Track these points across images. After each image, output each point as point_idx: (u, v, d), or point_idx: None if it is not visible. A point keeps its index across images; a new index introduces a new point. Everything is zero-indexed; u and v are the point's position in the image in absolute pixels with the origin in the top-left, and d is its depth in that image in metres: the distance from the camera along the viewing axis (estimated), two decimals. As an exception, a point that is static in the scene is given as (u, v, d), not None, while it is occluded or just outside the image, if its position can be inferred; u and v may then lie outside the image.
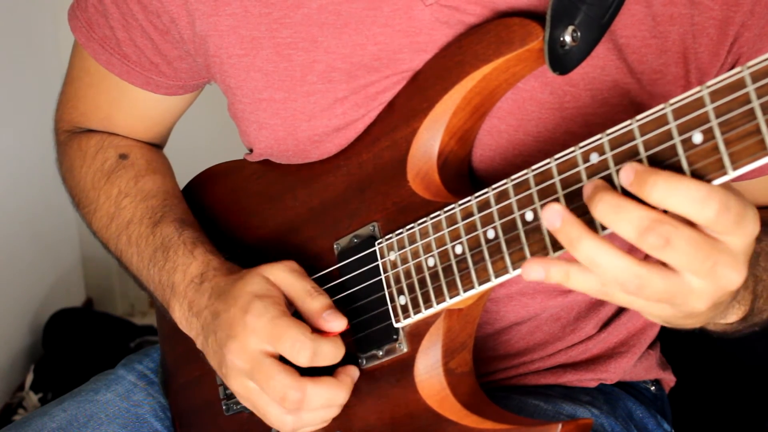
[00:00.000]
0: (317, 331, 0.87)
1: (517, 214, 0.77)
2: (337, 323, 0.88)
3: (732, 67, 0.87)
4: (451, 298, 0.84)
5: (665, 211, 0.66)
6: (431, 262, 0.85)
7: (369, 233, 0.91)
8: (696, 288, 0.67)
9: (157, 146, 1.16)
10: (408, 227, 0.87)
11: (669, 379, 1.15)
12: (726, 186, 0.65)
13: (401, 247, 0.87)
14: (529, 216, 0.76)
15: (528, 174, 0.77)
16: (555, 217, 0.69)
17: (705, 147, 0.65)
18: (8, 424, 1.09)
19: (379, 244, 0.90)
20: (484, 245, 0.80)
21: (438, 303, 0.85)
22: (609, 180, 0.71)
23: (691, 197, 0.64)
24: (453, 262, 0.83)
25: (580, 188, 0.72)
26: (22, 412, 2.08)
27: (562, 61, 0.83)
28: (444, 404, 0.87)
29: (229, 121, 1.03)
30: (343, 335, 0.89)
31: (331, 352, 0.86)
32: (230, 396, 1.03)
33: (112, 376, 1.15)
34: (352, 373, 0.90)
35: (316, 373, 0.88)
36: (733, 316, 0.85)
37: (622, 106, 0.87)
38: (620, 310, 1.05)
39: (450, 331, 0.87)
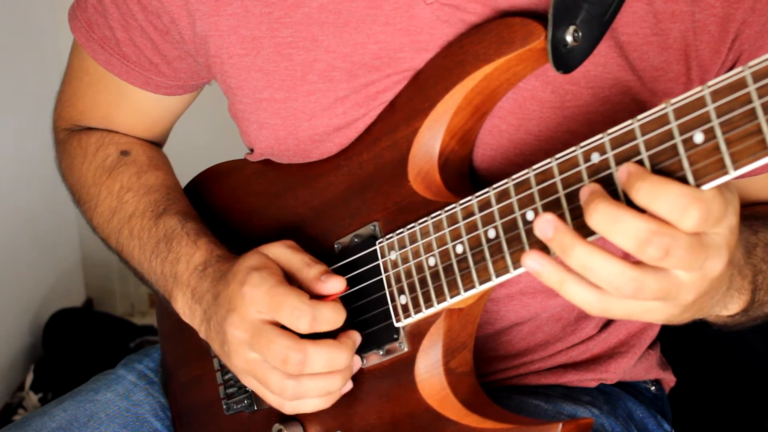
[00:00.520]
0: (317, 298, 0.87)
1: (518, 214, 0.77)
2: (334, 283, 0.87)
3: (733, 65, 0.87)
4: (451, 297, 0.84)
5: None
6: (432, 261, 0.85)
7: (370, 233, 0.91)
8: (685, 281, 0.69)
9: (157, 145, 1.16)
10: (409, 227, 0.87)
11: (669, 379, 1.16)
12: (712, 188, 0.66)
13: (402, 246, 0.87)
14: (530, 215, 0.76)
15: (529, 173, 0.77)
16: (547, 226, 0.69)
17: (706, 147, 0.65)
18: (8, 424, 1.09)
19: (379, 243, 0.90)
20: (485, 245, 0.80)
21: (439, 302, 0.85)
22: (609, 180, 0.71)
23: (674, 204, 0.65)
24: (454, 261, 0.83)
25: (581, 188, 0.72)
26: (22, 412, 2.08)
27: (565, 60, 0.83)
28: (444, 404, 0.87)
29: (229, 120, 1.03)
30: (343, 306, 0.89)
31: (331, 316, 0.86)
32: (230, 396, 1.03)
33: (112, 376, 1.15)
34: (354, 336, 0.89)
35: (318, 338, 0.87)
36: (735, 306, 0.85)
37: (623, 104, 0.87)
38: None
39: (450, 330, 0.87)
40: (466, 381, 0.89)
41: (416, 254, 0.86)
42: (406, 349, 0.88)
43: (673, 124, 0.67)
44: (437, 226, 0.84)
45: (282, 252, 0.90)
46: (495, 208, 0.79)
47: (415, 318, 0.87)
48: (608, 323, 1.05)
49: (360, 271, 0.91)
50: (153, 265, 1.00)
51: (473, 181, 0.92)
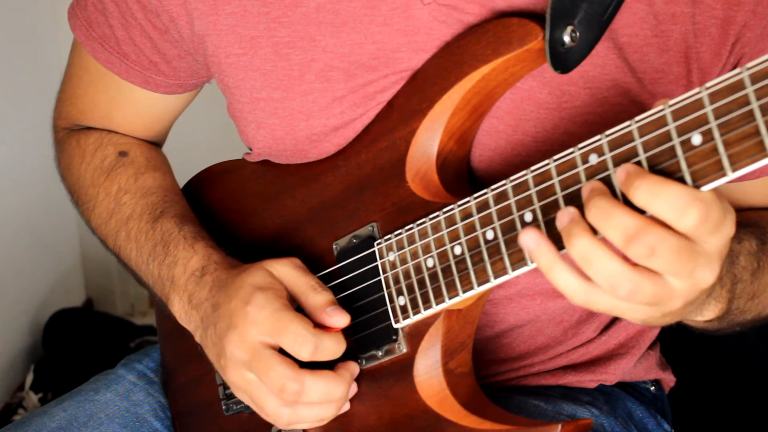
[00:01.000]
0: (319, 326, 0.87)
1: (516, 215, 0.77)
2: (340, 319, 0.88)
3: (734, 68, 0.87)
4: (450, 298, 0.84)
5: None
6: (430, 262, 0.85)
7: (368, 233, 0.91)
8: (677, 289, 0.69)
9: (155, 144, 1.16)
10: (407, 228, 0.87)
11: (669, 380, 1.15)
12: (711, 191, 0.66)
13: (400, 247, 0.87)
14: (528, 217, 0.76)
15: (527, 175, 0.76)
16: (564, 214, 0.70)
17: (704, 148, 0.65)
18: (8, 424, 1.09)
19: (378, 244, 0.89)
20: (483, 246, 0.80)
21: (437, 304, 0.85)
22: (608, 181, 0.71)
23: (673, 204, 0.65)
24: (452, 262, 0.83)
25: (579, 189, 0.72)
26: (22, 412, 2.08)
27: (562, 60, 0.83)
28: (443, 405, 0.87)
29: (228, 120, 1.03)
30: (343, 335, 0.89)
31: (333, 348, 0.86)
32: (230, 396, 1.03)
33: (112, 376, 1.15)
34: (352, 368, 0.90)
35: (316, 367, 0.87)
36: (710, 313, 0.85)
37: (622, 106, 0.87)
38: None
39: (449, 331, 0.87)
40: (466, 382, 0.89)
41: (415, 255, 0.86)
42: (405, 350, 0.88)
43: (671, 126, 0.67)
44: (435, 228, 0.84)
45: (288, 272, 0.90)
46: (493, 209, 0.79)
47: (413, 319, 0.87)
48: (609, 326, 1.05)
49: (359, 272, 0.91)
50: (150, 268, 1.00)
51: (471, 182, 0.92)
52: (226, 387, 1.03)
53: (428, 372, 0.87)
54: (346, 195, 0.94)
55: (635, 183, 0.66)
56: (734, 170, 0.64)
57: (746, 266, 0.87)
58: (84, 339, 2.23)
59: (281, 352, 0.87)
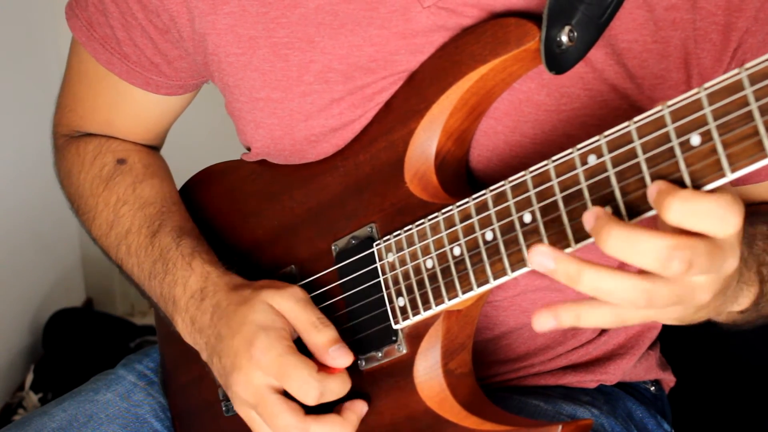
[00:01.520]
0: (323, 365, 0.88)
1: (515, 216, 0.77)
2: (343, 360, 0.88)
3: None
4: (449, 299, 0.83)
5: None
6: (429, 263, 0.85)
7: (367, 234, 0.91)
8: (700, 283, 0.67)
9: (154, 148, 1.16)
10: (406, 229, 0.87)
11: (669, 380, 1.15)
12: (722, 188, 0.65)
13: (399, 248, 0.87)
14: (527, 218, 0.76)
15: (526, 176, 0.76)
16: (545, 259, 0.67)
17: (703, 149, 0.65)
18: (8, 424, 1.09)
19: (377, 245, 0.89)
20: (482, 247, 0.80)
21: (437, 305, 0.85)
22: (605, 183, 0.70)
23: (714, 215, 0.63)
24: (451, 263, 0.83)
25: (578, 190, 0.72)
26: (22, 412, 2.08)
27: (558, 61, 0.83)
28: (444, 405, 0.87)
29: (227, 120, 1.03)
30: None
31: (338, 389, 0.87)
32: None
33: (112, 376, 1.15)
34: (359, 409, 0.90)
35: (322, 405, 0.88)
36: (745, 300, 0.84)
37: (621, 109, 0.87)
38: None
39: (449, 332, 0.87)
40: (466, 382, 0.89)
41: (414, 256, 0.86)
42: (404, 351, 0.88)
43: (670, 127, 0.67)
44: (434, 228, 0.84)
45: (290, 307, 0.90)
46: (492, 210, 0.79)
47: (413, 320, 0.87)
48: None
49: (358, 273, 0.91)
50: (152, 284, 1.01)
51: (470, 182, 0.92)
52: (225, 388, 1.03)
53: (428, 373, 0.87)
54: (344, 196, 0.94)
55: (666, 200, 0.64)
56: (733, 171, 0.64)
57: (766, 248, 0.86)
58: (84, 339, 2.23)
59: (288, 402, 0.87)
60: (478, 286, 0.81)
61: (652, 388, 1.13)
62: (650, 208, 0.68)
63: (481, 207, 0.80)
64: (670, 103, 0.67)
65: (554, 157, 0.74)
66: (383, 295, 0.89)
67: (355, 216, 0.93)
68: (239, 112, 0.98)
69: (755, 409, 1.35)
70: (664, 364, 1.16)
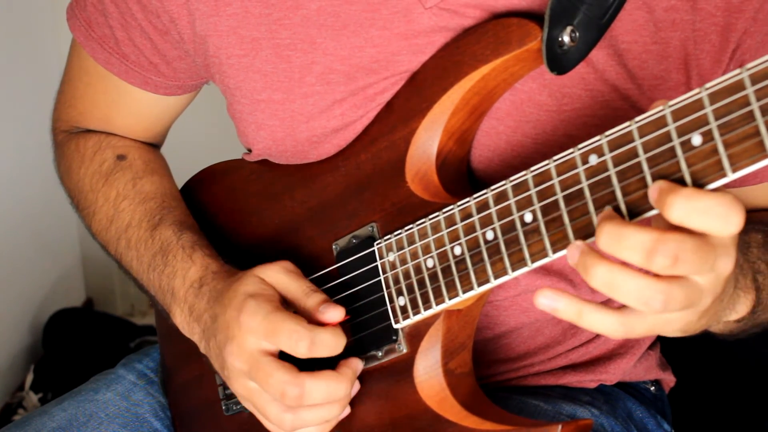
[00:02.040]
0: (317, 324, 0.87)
1: (516, 216, 0.77)
2: (334, 313, 0.87)
3: None
4: (450, 299, 0.83)
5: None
6: (430, 263, 0.85)
7: (368, 234, 0.91)
8: (703, 285, 0.68)
9: (154, 146, 1.16)
10: (407, 228, 0.87)
11: (669, 380, 1.15)
12: (720, 187, 0.65)
13: (400, 248, 0.87)
14: (528, 217, 0.76)
15: (527, 175, 0.76)
16: (575, 251, 0.69)
17: (704, 149, 0.65)
18: (8, 424, 1.09)
19: (377, 244, 0.89)
20: (483, 246, 0.80)
21: (437, 304, 0.85)
22: (607, 183, 0.71)
23: (716, 213, 0.63)
24: (452, 263, 0.83)
25: (579, 190, 0.72)
26: (22, 412, 2.08)
27: (560, 61, 0.83)
28: (443, 405, 0.87)
29: (228, 120, 1.03)
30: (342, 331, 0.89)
31: (330, 341, 0.85)
32: (230, 396, 1.03)
33: (112, 376, 1.15)
34: (354, 365, 0.89)
35: (319, 367, 0.87)
36: (743, 308, 0.84)
37: (622, 110, 0.87)
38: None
39: (449, 331, 0.87)
40: (466, 382, 0.89)
41: (414, 256, 0.86)
42: (405, 351, 0.88)
43: (671, 126, 0.67)
44: (435, 228, 0.84)
45: (279, 277, 0.90)
46: (493, 209, 0.79)
47: (413, 319, 0.87)
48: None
49: (358, 273, 0.91)
50: (151, 277, 1.01)
51: (471, 182, 0.92)
52: (226, 387, 1.03)
53: (428, 372, 0.87)
54: (345, 195, 0.94)
55: (668, 199, 0.64)
56: (734, 171, 0.64)
57: (760, 256, 0.87)
58: (84, 339, 2.23)
59: (282, 357, 0.86)
60: (479, 285, 0.81)
61: (652, 388, 1.13)
62: (651, 208, 0.68)
63: (482, 206, 0.80)
64: (671, 102, 0.67)
65: (555, 157, 0.74)
66: (384, 294, 0.89)
67: (356, 215, 0.93)
68: (240, 113, 0.98)
69: (755, 409, 1.35)
70: (664, 364, 1.16)
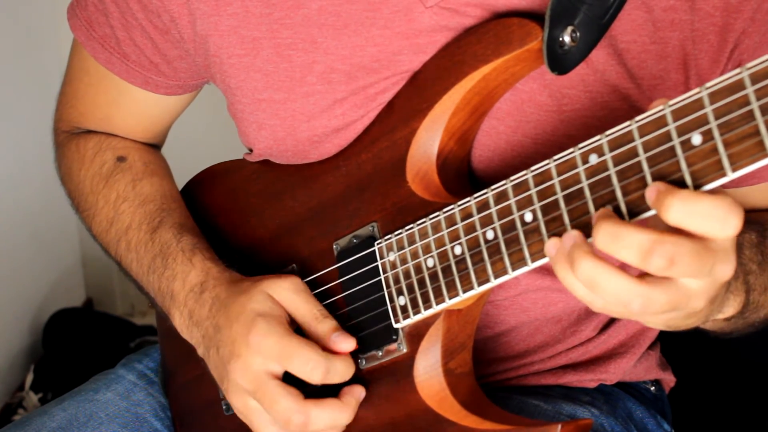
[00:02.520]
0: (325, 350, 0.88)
1: (516, 215, 0.77)
2: (347, 344, 0.88)
3: None
4: (450, 298, 0.84)
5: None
6: (430, 262, 0.85)
7: (368, 233, 0.91)
8: (694, 289, 0.68)
9: (155, 146, 1.16)
10: (407, 228, 0.87)
11: (669, 380, 1.16)
12: (718, 189, 0.65)
13: (400, 247, 0.87)
14: (528, 217, 0.76)
15: (527, 175, 0.76)
16: (550, 246, 0.70)
17: (704, 148, 0.65)
18: (8, 424, 1.09)
19: (378, 244, 0.90)
20: (483, 246, 0.80)
21: (437, 304, 0.85)
22: (607, 182, 0.71)
23: (714, 215, 0.63)
24: (452, 262, 0.83)
25: (579, 189, 0.72)
26: (22, 412, 2.08)
27: (560, 61, 0.83)
28: (443, 404, 0.87)
29: (228, 120, 1.03)
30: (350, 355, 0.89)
31: (343, 370, 0.87)
32: (230, 396, 1.03)
33: (112, 376, 1.15)
34: (357, 393, 0.90)
35: (319, 393, 0.88)
36: (730, 309, 0.84)
37: (622, 110, 0.87)
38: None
39: (449, 331, 0.87)
40: (466, 382, 0.89)
41: (415, 255, 0.86)
42: (405, 350, 0.88)
43: (671, 126, 0.67)
44: (435, 227, 0.84)
45: (289, 297, 0.90)
46: (493, 209, 0.79)
47: (414, 319, 0.87)
48: (608, 325, 1.05)
49: (359, 272, 0.91)
50: (150, 280, 1.01)
51: (471, 182, 0.92)
52: (226, 387, 1.04)
53: (428, 372, 0.87)
54: (346, 195, 0.94)
55: (666, 201, 0.64)
56: (734, 170, 0.64)
57: (752, 257, 0.87)
58: (84, 339, 2.23)
59: (285, 379, 0.87)
60: (479, 285, 0.81)
61: (652, 388, 1.13)
62: (651, 207, 0.68)
63: (483, 206, 0.80)
64: (671, 102, 0.67)
65: (555, 156, 0.74)
66: (384, 294, 0.89)
67: (356, 215, 0.93)
68: (241, 113, 0.98)
69: (755, 409, 1.35)
70: (664, 364, 1.16)
